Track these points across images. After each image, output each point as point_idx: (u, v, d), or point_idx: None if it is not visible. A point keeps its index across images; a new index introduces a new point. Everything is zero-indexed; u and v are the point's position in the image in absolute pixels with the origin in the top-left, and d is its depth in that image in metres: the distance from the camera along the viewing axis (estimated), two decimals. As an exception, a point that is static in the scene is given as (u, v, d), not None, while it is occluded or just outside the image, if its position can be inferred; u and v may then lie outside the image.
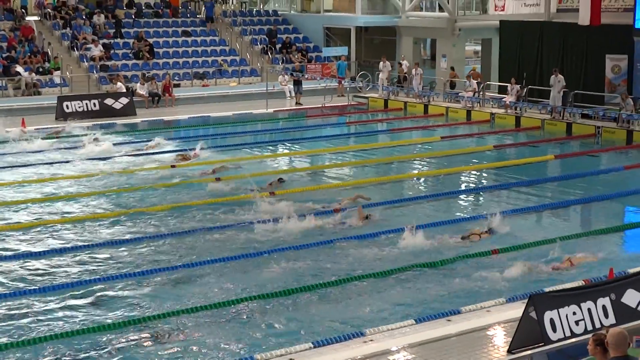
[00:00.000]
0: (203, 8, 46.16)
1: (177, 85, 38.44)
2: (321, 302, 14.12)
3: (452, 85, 37.95)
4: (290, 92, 38.51)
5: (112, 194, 21.64)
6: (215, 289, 14.74)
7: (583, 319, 11.75)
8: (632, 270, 14.01)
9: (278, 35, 45.07)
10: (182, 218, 19.29)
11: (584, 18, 32.71)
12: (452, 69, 38.89)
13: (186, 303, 13.97)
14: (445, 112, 35.35)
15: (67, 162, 25.54)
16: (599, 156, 27.92)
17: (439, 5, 42.55)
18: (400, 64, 39.77)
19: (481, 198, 21.99)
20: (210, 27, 44.56)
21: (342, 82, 39.70)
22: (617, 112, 30.24)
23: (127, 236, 17.93)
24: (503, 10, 39.14)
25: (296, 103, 37.59)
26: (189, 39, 43.52)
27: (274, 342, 12.48)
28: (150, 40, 41.83)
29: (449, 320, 12.96)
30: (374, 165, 25.77)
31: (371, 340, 12.27)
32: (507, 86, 34.33)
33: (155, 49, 41.45)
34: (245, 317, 13.50)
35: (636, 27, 31.54)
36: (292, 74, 38.74)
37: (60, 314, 13.70)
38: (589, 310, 11.80)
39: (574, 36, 34.09)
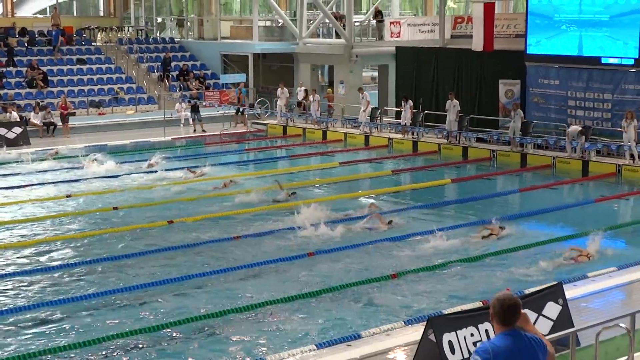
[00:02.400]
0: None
1: (73, 114, 37.80)
2: (221, 330, 13.96)
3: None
4: (187, 119, 38.29)
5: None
6: (107, 321, 14.46)
7: (481, 340, 11.82)
8: (527, 291, 14.19)
9: (175, 63, 44.79)
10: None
11: (477, 44, 33.36)
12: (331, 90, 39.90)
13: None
14: (344, 137, 35.56)
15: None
16: (494, 179, 28.37)
17: (336, 32, 42.85)
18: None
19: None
20: (54, 57, 43.50)
21: (241, 109, 39.67)
22: (510, 137, 30.84)
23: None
24: (399, 36, 39.62)
25: (202, 130, 37.29)
26: (84, 67, 42.93)
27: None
28: (44, 69, 41.09)
29: (349, 345, 12.93)
30: (274, 192, 25.62)
31: (272, 367, 12.17)
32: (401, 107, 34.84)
33: (49, 78, 40.73)
34: (139, 346, 13.25)
35: (528, 52, 32.29)
36: (189, 101, 38.50)
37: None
38: (487, 331, 11.87)
39: (468, 62, 34.72)
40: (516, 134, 30.65)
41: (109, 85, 41.98)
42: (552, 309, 12.48)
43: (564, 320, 12.45)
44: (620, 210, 24.01)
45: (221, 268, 17.29)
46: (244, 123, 39.20)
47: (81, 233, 20.31)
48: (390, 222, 20.71)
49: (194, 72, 44.44)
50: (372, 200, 23.38)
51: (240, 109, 39.65)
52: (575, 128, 29.26)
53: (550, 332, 11.90)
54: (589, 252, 17.75)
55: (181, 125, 38.29)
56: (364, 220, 20.87)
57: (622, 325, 10.10)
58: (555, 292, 12.76)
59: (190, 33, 49.37)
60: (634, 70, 29.83)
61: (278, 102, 38.71)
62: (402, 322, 13.77)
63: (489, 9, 33.39)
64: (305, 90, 39.69)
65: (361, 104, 35.85)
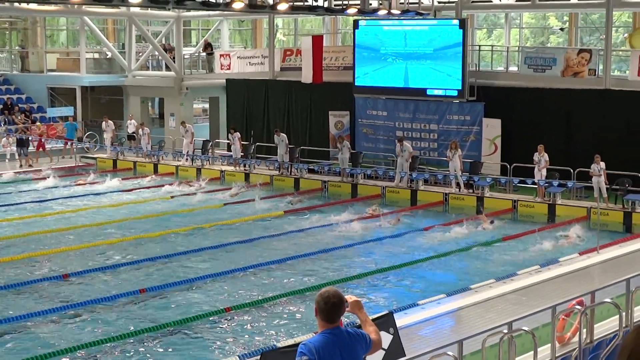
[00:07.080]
0: None
1: None
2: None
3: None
4: (13, 154, 37.16)
5: None
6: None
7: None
8: (373, 316, 14.33)
9: (-1, 96, 43.46)
10: None
11: (306, 76, 33.81)
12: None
13: None
14: (176, 170, 35.26)
15: None
16: (326, 210, 28.62)
17: (166, 64, 42.57)
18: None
19: (211, 256, 21.73)
20: None
21: (70, 143, 38.77)
22: (340, 168, 31.28)
23: None
24: (229, 68, 39.68)
25: (28, 165, 36.28)
26: None
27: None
28: None
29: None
30: (105, 227, 25.07)
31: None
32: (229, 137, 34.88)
33: None
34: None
35: (356, 84, 32.95)
36: (15, 136, 37.36)
37: None
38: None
39: (298, 93, 35.17)
40: (345, 165, 31.15)
41: None
42: (384, 339, 12.61)
43: (395, 349, 12.60)
44: (447, 238, 24.61)
45: (46, 309, 16.76)
46: (72, 157, 38.27)
47: None
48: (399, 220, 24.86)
49: (20, 105, 43.21)
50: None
51: (69, 143, 38.69)
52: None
53: (382, 363, 12.06)
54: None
55: (7, 160, 37.08)
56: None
57: (450, 353, 10.33)
58: (386, 322, 12.91)
59: (14, 65, 47.98)
60: (458, 101, 30.86)
61: (105, 136, 38.05)
62: (237, 357, 13.68)
63: (317, 42, 33.96)
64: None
65: (185, 137, 35.64)
